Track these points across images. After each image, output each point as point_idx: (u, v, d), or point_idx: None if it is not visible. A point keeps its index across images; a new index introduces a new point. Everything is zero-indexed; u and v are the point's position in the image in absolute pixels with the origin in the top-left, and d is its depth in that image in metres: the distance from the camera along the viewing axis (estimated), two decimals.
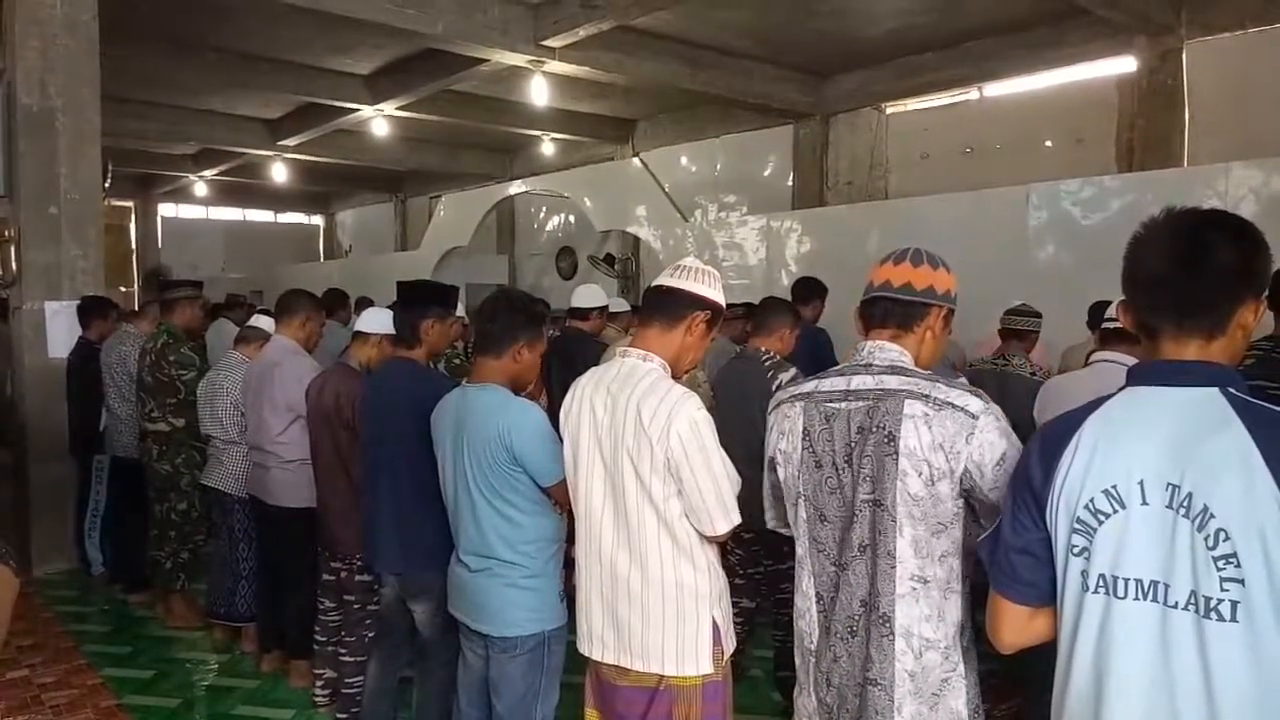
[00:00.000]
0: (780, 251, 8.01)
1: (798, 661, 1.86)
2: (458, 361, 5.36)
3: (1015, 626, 1.47)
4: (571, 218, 13.02)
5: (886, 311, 1.77)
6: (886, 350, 1.75)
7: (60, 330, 5.73)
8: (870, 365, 1.74)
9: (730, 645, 2.21)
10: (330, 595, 3.61)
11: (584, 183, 10.92)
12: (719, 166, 10.94)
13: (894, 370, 1.70)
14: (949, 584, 1.67)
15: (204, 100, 10.75)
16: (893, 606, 1.64)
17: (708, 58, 8.63)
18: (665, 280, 2.21)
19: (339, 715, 3.58)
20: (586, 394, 2.23)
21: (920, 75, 8.72)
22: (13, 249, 5.71)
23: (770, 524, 2.02)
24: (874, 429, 1.65)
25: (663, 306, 2.18)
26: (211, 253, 18.07)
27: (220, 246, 18.50)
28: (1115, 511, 1.29)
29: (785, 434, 1.83)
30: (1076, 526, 1.33)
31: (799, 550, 1.83)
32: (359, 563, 3.38)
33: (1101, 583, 1.31)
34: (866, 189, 9.44)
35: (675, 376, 2.20)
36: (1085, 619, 1.33)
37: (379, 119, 10.30)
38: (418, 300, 3.08)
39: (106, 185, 6.08)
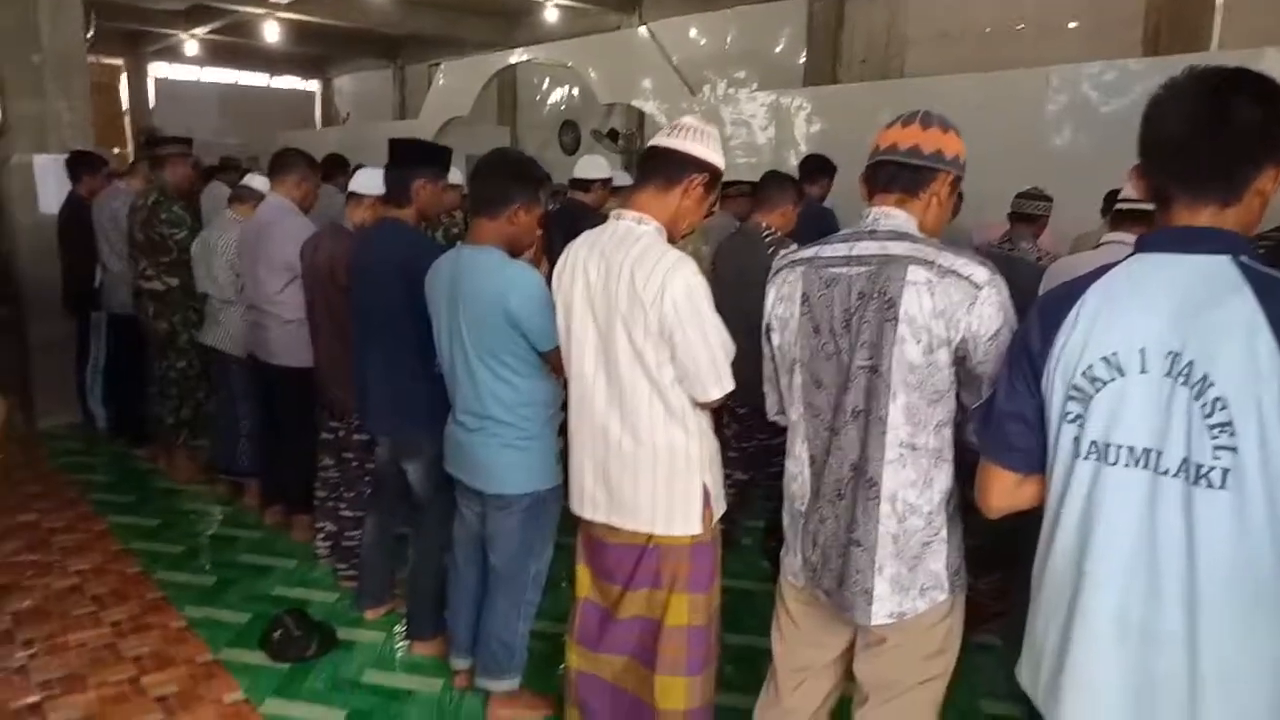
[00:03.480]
0: (789, 130, 7.80)
1: (786, 522, 1.89)
2: (456, 231, 5.29)
3: (1003, 491, 1.49)
4: (575, 90, 12.62)
5: (892, 176, 1.72)
6: (892, 216, 1.70)
7: (50, 185, 5.64)
8: (875, 231, 1.70)
9: (720, 508, 2.25)
10: (329, 453, 3.66)
11: (588, 53, 10.52)
12: (729, 40, 10.52)
13: (899, 236, 1.66)
14: (940, 453, 1.68)
15: None
16: (880, 471, 1.65)
17: None
18: (662, 140, 2.14)
19: (339, 566, 3.70)
20: (580, 257, 2.20)
21: None
22: None
23: (771, 413, 2.00)
24: (875, 294, 1.63)
25: (659, 168, 2.13)
26: (205, 116, 17.52)
27: (214, 110, 17.95)
28: (1113, 379, 1.29)
29: (783, 299, 1.80)
30: (1072, 394, 1.33)
31: (792, 415, 1.83)
32: (357, 421, 3.41)
33: (1093, 449, 1.31)
34: (882, 67, 9.10)
35: (671, 241, 2.16)
36: (1074, 485, 1.34)
37: None
38: (409, 159, 3.01)
39: (89, 36, 5.84)
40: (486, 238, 2.53)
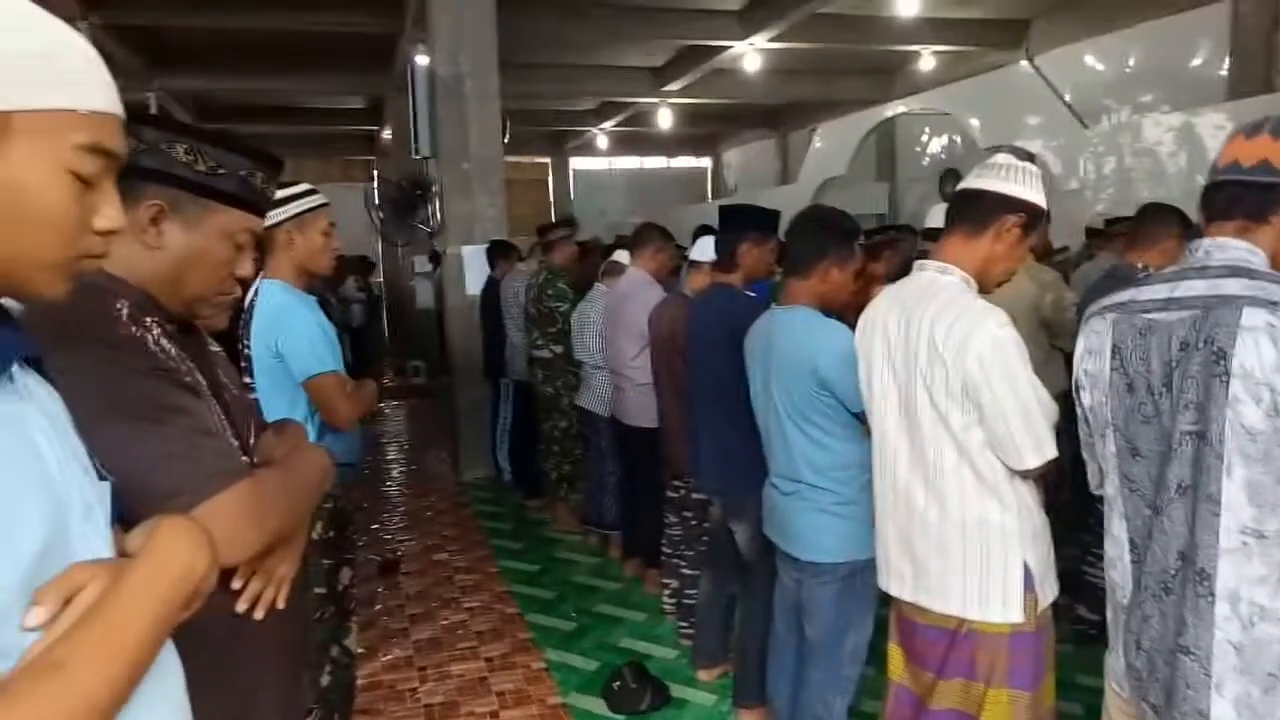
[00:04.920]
0: (1203, 154, 6.72)
1: (1108, 618, 1.59)
2: None
3: None
4: (957, 138, 12.11)
5: (1233, 199, 1.39)
6: (1229, 248, 1.38)
7: (474, 270, 6.66)
8: (1205, 267, 1.38)
9: (1049, 593, 1.95)
10: (673, 510, 3.81)
11: (968, 97, 10.08)
12: (1131, 61, 9.40)
13: (1236, 272, 1.34)
14: None
15: (594, 56, 11.62)
16: (1214, 562, 1.31)
17: None
18: (971, 181, 1.96)
19: (680, 624, 3.80)
20: (880, 312, 2.08)
21: None
22: (438, 202, 6.71)
23: (1092, 485, 1.71)
24: (1200, 344, 1.32)
25: (966, 211, 1.95)
26: (616, 199, 19.73)
27: (622, 194, 20.11)
28: None
29: (1092, 352, 1.54)
30: None
31: (1108, 489, 1.54)
32: (693, 481, 3.52)
33: None
34: None
35: (984, 291, 1.96)
36: None
37: (751, 53, 10.35)
38: (735, 223, 3.08)
39: (505, 140, 6.85)
40: (799, 297, 2.51)
